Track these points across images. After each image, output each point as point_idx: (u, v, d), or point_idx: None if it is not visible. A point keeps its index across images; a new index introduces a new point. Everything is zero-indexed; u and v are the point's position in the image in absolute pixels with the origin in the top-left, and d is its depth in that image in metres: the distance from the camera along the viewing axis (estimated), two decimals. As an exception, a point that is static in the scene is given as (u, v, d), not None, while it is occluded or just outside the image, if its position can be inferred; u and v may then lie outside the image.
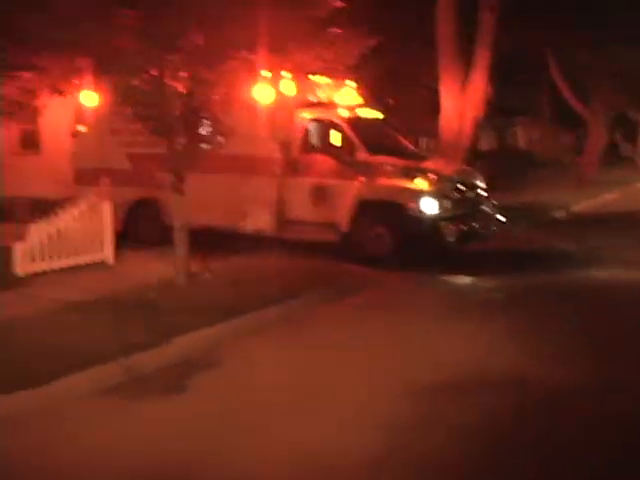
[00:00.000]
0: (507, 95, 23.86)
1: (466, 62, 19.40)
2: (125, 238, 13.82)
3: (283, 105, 13.86)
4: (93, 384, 7.34)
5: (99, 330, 8.76)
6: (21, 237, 11.60)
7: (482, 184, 14.61)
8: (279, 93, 13.49)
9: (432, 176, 13.55)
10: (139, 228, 14.69)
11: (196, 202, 11.99)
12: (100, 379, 7.44)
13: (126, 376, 7.60)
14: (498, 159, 30.15)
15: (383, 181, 13.47)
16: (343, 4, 12.79)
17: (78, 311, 9.63)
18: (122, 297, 10.41)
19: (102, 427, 6.56)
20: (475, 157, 19.44)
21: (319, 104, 14.61)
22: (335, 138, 14.15)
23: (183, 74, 11.24)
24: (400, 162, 13.77)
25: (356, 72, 14.88)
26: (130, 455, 6.06)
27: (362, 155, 13.68)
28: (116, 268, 12.55)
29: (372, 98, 16.41)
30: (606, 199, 25.14)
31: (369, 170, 13.56)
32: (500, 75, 20.80)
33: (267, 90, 12.76)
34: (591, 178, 28.62)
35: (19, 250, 11.44)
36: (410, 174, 13.47)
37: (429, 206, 13.22)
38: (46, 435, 6.40)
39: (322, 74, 14.40)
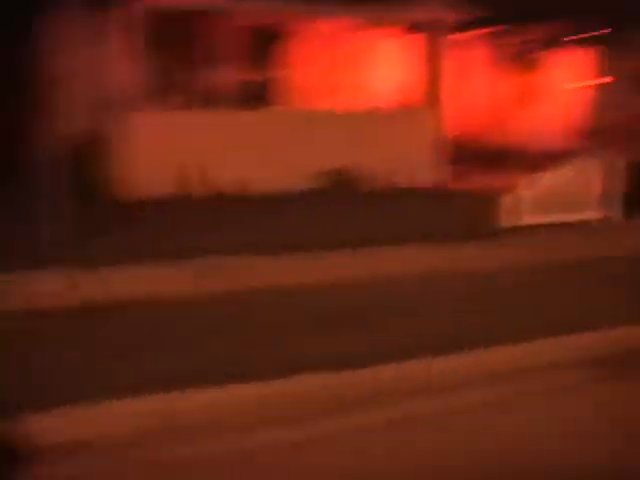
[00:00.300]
0: None
1: None
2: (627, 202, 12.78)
3: None
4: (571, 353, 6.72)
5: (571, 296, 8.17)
6: (513, 188, 11.38)
7: None
8: None
9: None
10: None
11: None
12: (581, 348, 6.82)
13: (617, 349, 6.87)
14: None
15: None
16: None
17: (547, 272, 9.09)
18: (600, 263, 9.62)
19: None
20: None
21: None
22: None
23: None
24: None
25: None
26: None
27: None
28: (605, 231, 11.71)
29: None
30: None
31: None
32: None
33: None
34: None
35: (507, 201, 11.24)
36: None
37: None
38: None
39: None
